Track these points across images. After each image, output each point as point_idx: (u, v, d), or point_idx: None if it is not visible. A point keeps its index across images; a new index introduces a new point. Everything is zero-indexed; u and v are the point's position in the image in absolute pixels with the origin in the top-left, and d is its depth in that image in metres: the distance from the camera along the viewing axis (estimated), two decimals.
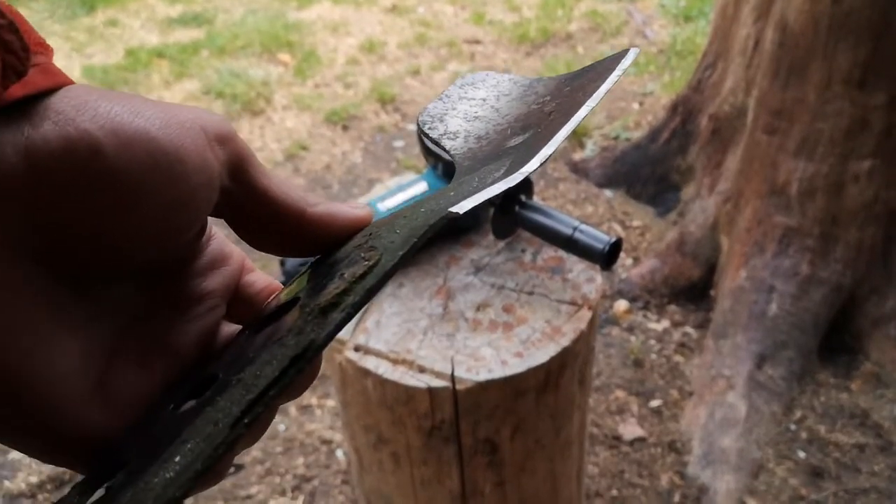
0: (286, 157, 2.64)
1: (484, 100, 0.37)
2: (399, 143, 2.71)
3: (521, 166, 0.27)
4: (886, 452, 1.57)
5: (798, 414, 1.66)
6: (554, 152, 0.28)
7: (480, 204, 0.31)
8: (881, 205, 1.69)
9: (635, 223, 2.23)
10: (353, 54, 3.29)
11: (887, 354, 1.73)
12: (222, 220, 0.28)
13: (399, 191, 0.84)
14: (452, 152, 0.34)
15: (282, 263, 0.82)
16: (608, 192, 2.35)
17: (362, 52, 3.30)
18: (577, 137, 2.61)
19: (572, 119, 0.29)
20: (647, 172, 2.29)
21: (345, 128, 2.80)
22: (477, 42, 3.35)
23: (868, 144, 1.64)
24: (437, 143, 0.35)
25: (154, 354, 0.27)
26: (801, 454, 1.58)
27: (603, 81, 0.32)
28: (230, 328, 0.30)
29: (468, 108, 0.37)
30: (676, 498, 1.53)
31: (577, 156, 2.53)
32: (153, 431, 0.24)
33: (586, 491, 1.53)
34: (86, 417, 0.24)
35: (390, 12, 3.67)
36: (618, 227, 2.23)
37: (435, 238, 0.88)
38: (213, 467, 0.20)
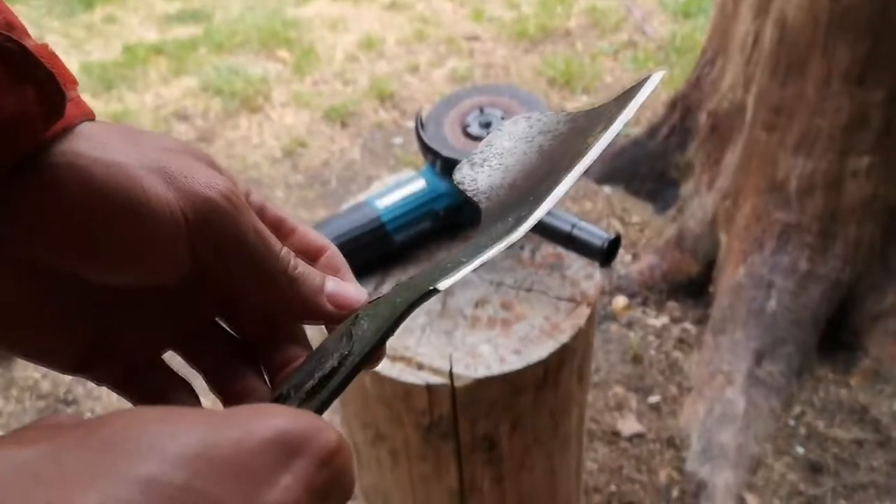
0: (284, 154, 2.64)
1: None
2: (398, 140, 2.70)
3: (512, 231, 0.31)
4: (885, 448, 1.57)
5: (797, 409, 1.66)
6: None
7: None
8: (880, 201, 1.69)
9: (634, 219, 2.23)
10: (351, 51, 3.28)
11: (886, 350, 1.73)
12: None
13: (397, 188, 0.83)
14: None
15: None
16: (607, 189, 2.35)
17: (361, 49, 3.29)
18: None
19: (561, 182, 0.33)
20: (646, 169, 2.28)
21: (343, 125, 2.80)
22: (476, 39, 3.35)
23: (867, 141, 1.63)
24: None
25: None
26: (800, 450, 1.59)
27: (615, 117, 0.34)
28: None
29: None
30: (675, 493, 1.53)
31: None
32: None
33: (585, 486, 1.53)
34: None
35: (389, 9, 3.67)
36: (617, 224, 2.22)
37: (433, 234, 0.88)
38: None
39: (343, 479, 0.22)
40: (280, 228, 0.33)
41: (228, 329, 0.35)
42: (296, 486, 0.21)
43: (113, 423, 0.20)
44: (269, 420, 0.21)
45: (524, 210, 0.32)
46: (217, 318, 0.35)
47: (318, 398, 0.26)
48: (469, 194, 0.37)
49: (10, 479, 0.17)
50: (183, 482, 0.18)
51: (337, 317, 0.32)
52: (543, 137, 0.38)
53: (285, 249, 0.31)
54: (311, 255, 0.34)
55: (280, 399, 0.28)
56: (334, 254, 0.35)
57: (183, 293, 0.32)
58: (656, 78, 0.34)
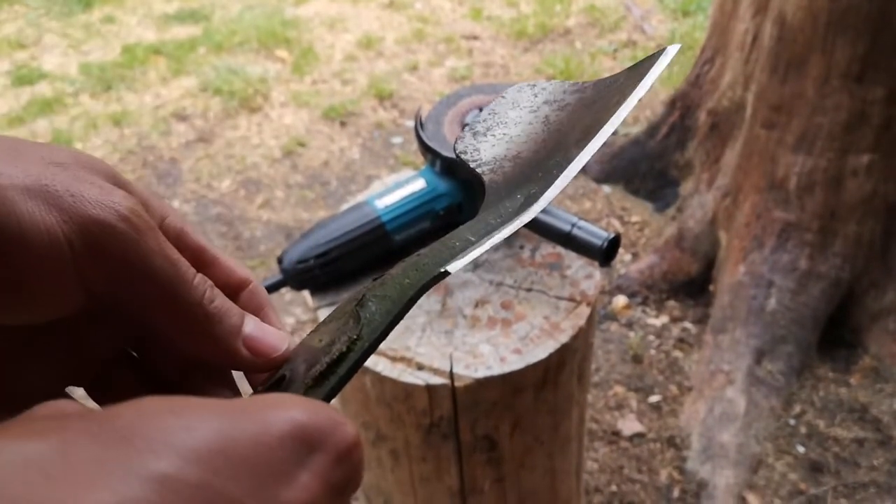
0: (284, 154, 2.63)
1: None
2: (397, 140, 2.70)
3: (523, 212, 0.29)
4: (886, 447, 1.57)
5: (797, 409, 1.66)
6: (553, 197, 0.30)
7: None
8: (880, 199, 1.69)
9: (634, 219, 2.23)
10: (350, 50, 3.28)
11: (886, 348, 1.73)
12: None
13: (397, 188, 0.83)
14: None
15: (279, 261, 0.82)
16: (606, 188, 2.35)
17: (360, 49, 3.29)
18: None
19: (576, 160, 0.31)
20: (646, 168, 2.28)
21: (343, 124, 2.80)
22: (475, 38, 3.35)
23: (867, 138, 1.63)
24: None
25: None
26: (801, 449, 1.58)
27: (630, 92, 0.32)
28: None
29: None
30: (676, 493, 1.53)
31: None
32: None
33: (585, 486, 1.53)
34: None
35: (388, 8, 3.67)
36: (616, 223, 2.22)
37: (433, 234, 0.88)
38: None
39: (358, 474, 0.21)
40: (199, 258, 0.29)
41: (144, 365, 0.31)
42: (315, 482, 0.20)
43: (124, 415, 0.18)
44: (287, 412, 0.20)
45: (533, 187, 0.30)
46: (132, 353, 0.30)
47: (326, 385, 0.25)
48: (471, 165, 0.35)
49: (17, 475, 0.16)
50: (199, 479, 0.17)
51: (251, 365, 0.28)
52: (549, 108, 0.36)
53: (200, 276, 0.27)
54: (232, 290, 0.30)
55: (282, 381, 0.26)
56: (257, 289, 0.31)
57: (84, 326, 0.28)
58: (671, 51, 0.33)
